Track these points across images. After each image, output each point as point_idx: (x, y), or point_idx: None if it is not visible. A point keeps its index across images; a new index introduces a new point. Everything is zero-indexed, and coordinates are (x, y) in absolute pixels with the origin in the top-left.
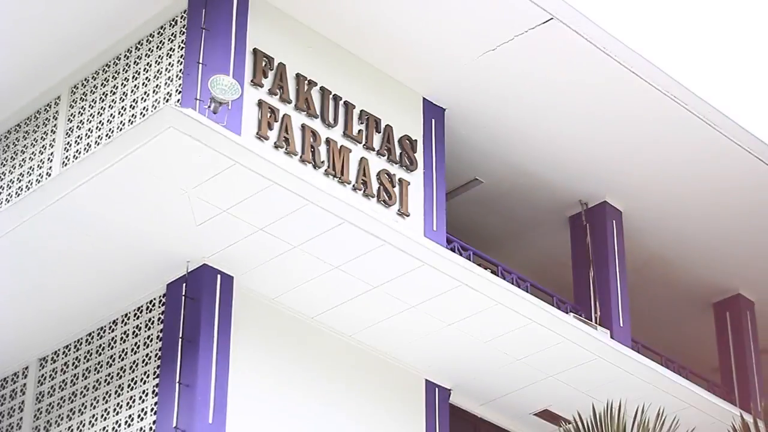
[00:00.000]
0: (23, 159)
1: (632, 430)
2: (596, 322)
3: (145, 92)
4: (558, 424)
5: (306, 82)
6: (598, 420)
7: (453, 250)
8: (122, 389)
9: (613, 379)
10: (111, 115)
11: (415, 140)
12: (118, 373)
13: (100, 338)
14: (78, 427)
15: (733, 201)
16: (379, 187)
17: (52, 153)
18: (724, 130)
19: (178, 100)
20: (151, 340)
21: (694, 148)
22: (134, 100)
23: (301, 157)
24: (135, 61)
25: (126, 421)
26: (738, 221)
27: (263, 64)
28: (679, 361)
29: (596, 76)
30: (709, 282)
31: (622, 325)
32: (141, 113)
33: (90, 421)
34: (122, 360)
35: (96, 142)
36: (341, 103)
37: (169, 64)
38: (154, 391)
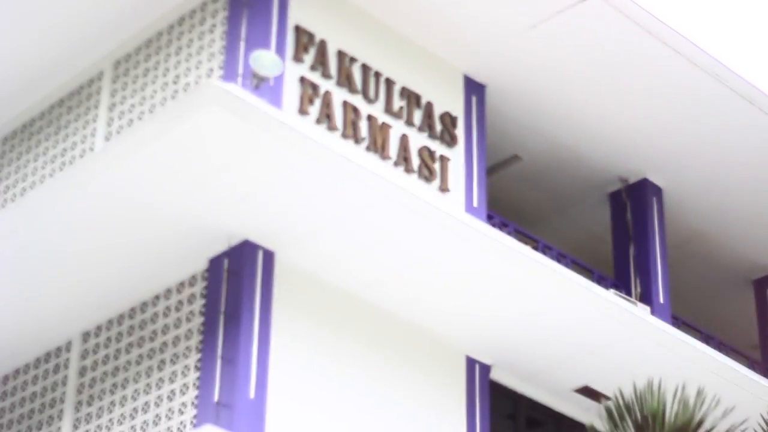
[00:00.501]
0: (66, 134)
1: (672, 407)
2: (636, 299)
3: (187, 68)
4: (598, 401)
5: (347, 58)
6: (638, 397)
7: (494, 225)
8: (164, 364)
9: (653, 356)
10: (153, 90)
11: (456, 117)
12: (160, 348)
13: (143, 313)
14: (120, 402)
15: None
16: (419, 163)
17: (95, 128)
18: (765, 107)
19: (220, 75)
20: (193, 315)
21: (734, 126)
22: (176, 75)
23: (342, 132)
24: (177, 37)
25: (168, 396)
26: None
27: (305, 40)
28: (719, 338)
29: (637, 54)
30: (750, 259)
31: (662, 301)
32: (183, 88)
33: (132, 396)
34: (164, 335)
35: (138, 117)
36: (382, 79)
37: (212, 39)
38: (196, 365)
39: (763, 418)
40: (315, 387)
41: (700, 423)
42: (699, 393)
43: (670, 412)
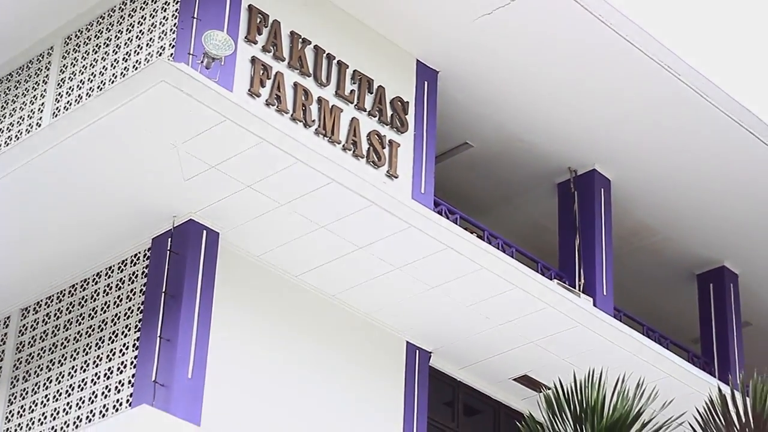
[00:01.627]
0: (14, 108)
1: (611, 399)
2: (580, 290)
3: (139, 45)
4: (537, 390)
5: (300, 40)
6: (578, 387)
7: (440, 213)
8: (103, 342)
9: (594, 347)
10: (103, 67)
11: (407, 102)
12: (99, 326)
13: (83, 290)
14: (57, 378)
15: (721, 174)
16: (368, 148)
17: (43, 103)
18: (716, 102)
19: (172, 54)
20: (134, 294)
21: (684, 120)
22: (127, 53)
23: (292, 115)
24: (129, 14)
25: (105, 374)
26: (725, 194)
27: (258, 20)
28: (660, 331)
29: (591, 44)
30: (694, 253)
31: (605, 293)
32: (134, 66)
33: (69, 373)
34: (104, 313)
35: (87, 93)
36: (334, 62)
37: (164, 18)
38: (134, 344)
39: (699, 412)
40: (254, 369)
41: (639, 415)
42: (638, 385)
43: (609, 403)
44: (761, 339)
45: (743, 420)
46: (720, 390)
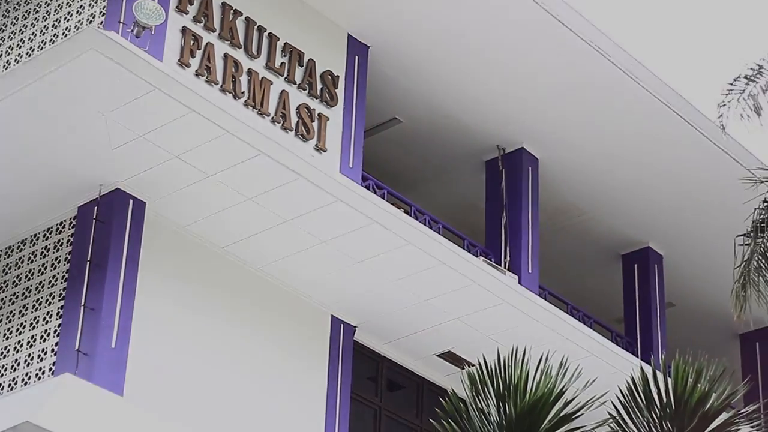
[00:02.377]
0: None
1: (534, 376)
2: (505, 267)
3: (69, 12)
4: (461, 367)
5: (231, 11)
6: (501, 365)
7: (368, 187)
8: (26, 310)
9: (519, 325)
10: (33, 33)
11: (337, 76)
12: (23, 293)
13: (8, 257)
14: None
15: (648, 155)
16: (297, 121)
17: None
18: (645, 83)
19: (102, 22)
20: (58, 262)
21: (613, 101)
22: (57, 19)
23: (221, 86)
24: None
25: (28, 342)
26: (652, 175)
27: None
28: (584, 310)
29: (521, 23)
30: (620, 233)
31: (530, 271)
32: (63, 33)
33: None
34: (28, 280)
35: (16, 60)
36: (265, 34)
37: None
38: (58, 313)
39: (621, 391)
40: (178, 340)
41: (561, 393)
42: (562, 364)
43: (533, 381)
44: (684, 320)
45: (665, 400)
46: (642, 370)
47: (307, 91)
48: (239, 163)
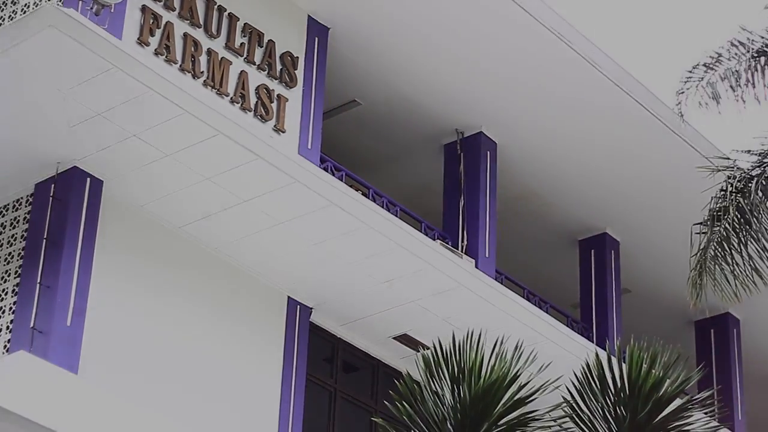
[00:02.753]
0: None
1: (489, 360)
2: (462, 251)
3: None
4: (416, 349)
5: None
6: (456, 348)
7: (326, 169)
8: None
9: (475, 309)
10: None
11: (297, 57)
12: None
13: None
14: None
15: (608, 141)
16: (256, 102)
17: None
18: (604, 69)
19: None
20: (14, 239)
21: (572, 86)
22: None
23: (180, 65)
24: None
25: None
26: (611, 162)
27: None
28: (540, 295)
29: (481, 7)
30: (577, 219)
31: (487, 255)
32: (22, 10)
33: None
34: None
35: None
36: (225, 14)
37: None
38: (14, 290)
39: (576, 376)
40: (134, 319)
41: (516, 377)
42: (517, 347)
43: (487, 365)
44: (640, 306)
45: (619, 385)
46: (597, 355)
47: (266, 72)
48: (197, 142)
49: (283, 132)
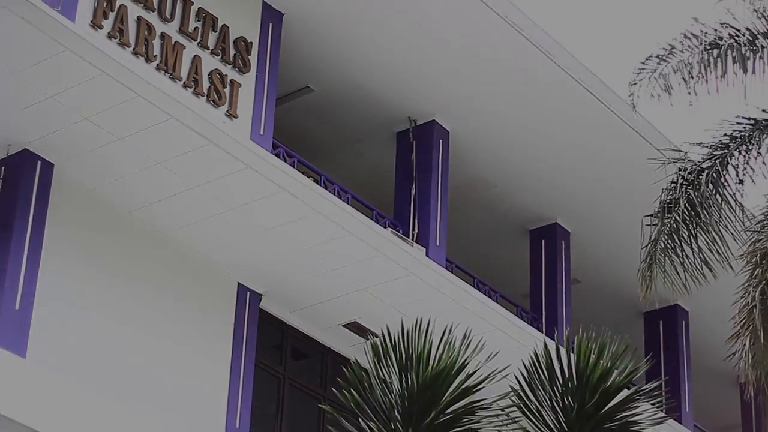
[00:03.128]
0: None
1: (438, 348)
2: (413, 239)
3: None
4: (365, 337)
5: None
6: (405, 336)
7: (278, 155)
8: None
9: (425, 297)
10: None
11: (251, 43)
12: None
13: None
14: None
15: (560, 132)
16: (209, 87)
17: None
18: (558, 60)
19: None
20: None
21: (526, 77)
22: None
23: (134, 49)
24: None
25: None
26: (563, 152)
27: None
28: (491, 285)
29: None
30: (529, 209)
31: (438, 244)
32: None
33: None
34: None
35: None
36: None
37: None
38: None
39: (524, 365)
40: (83, 303)
41: (464, 365)
42: (465, 336)
43: (435, 353)
44: (589, 297)
45: (567, 375)
46: (545, 344)
47: (220, 57)
48: (149, 126)
49: (236, 117)
